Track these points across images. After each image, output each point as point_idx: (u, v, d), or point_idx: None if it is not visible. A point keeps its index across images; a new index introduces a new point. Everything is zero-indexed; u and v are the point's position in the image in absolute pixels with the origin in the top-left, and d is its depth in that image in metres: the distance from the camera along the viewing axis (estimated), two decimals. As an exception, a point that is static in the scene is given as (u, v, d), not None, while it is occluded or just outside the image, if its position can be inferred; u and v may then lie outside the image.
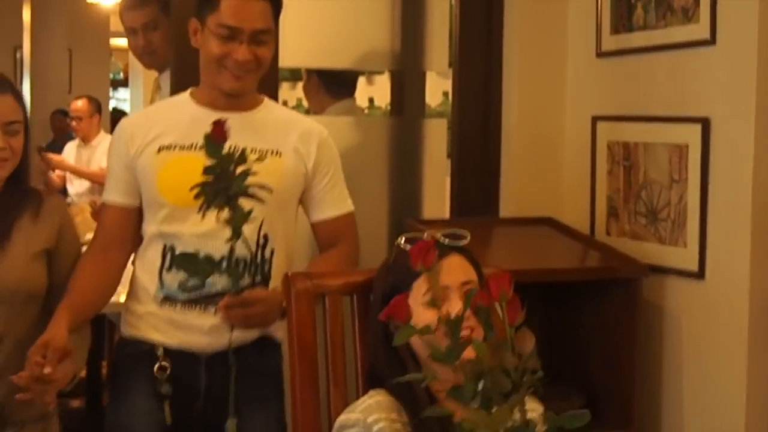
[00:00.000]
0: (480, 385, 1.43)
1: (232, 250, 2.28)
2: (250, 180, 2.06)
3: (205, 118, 2.25)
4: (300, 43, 3.41)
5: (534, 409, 2.00)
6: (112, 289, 2.53)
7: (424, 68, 3.66)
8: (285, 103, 4.04)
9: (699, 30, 2.88)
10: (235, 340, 2.30)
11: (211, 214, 2.08)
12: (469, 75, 3.43)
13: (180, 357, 2.43)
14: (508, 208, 3.39)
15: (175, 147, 2.43)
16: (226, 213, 2.04)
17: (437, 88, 3.97)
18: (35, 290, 2.41)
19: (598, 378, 3.03)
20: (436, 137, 3.60)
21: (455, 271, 2.03)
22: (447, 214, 3.48)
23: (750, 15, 2.74)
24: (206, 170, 2.03)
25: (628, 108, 3.18)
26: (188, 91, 2.55)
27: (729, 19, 2.80)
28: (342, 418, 1.94)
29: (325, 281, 2.23)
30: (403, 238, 2.04)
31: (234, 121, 2.16)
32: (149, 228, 2.47)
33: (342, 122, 3.51)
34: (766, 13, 2.74)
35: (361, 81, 4.03)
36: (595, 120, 3.28)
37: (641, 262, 2.96)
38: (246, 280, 2.37)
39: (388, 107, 3.94)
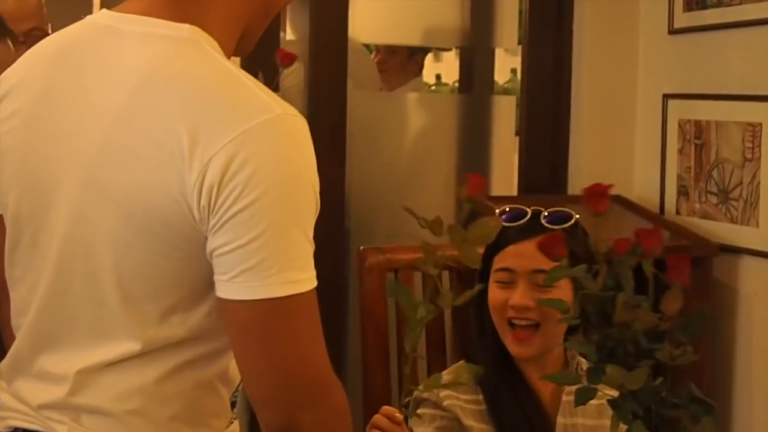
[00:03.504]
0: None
1: None
2: None
3: None
4: (369, 19, 3.42)
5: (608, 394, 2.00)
6: None
7: (493, 45, 3.64)
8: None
9: (774, 7, 2.85)
10: None
11: None
12: (538, 52, 3.41)
13: None
14: (576, 185, 3.37)
15: None
16: None
17: (506, 65, 3.95)
18: None
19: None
20: (505, 114, 3.59)
21: (532, 255, 1.85)
22: (515, 192, 3.47)
23: (828, -9, 2.70)
24: None
25: (700, 86, 3.14)
26: None
27: (806, -4, 2.76)
28: (418, 391, 1.90)
29: (398, 256, 2.23)
30: (500, 209, 1.98)
31: None
32: None
33: (409, 99, 3.51)
34: (844, -10, 2.70)
35: (429, 58, 4.02)
36: (666, 98, 3.25)
37: (712, 241, 2.94)
38: None
39: (456, 84, 3.93)
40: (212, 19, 1.36)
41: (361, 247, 2.23)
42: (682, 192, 3.19)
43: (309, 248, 1.34)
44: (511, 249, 1.92)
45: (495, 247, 1.95)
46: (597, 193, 1.54)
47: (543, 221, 1.92)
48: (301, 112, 1.37)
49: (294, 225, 1.31)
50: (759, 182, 2.89)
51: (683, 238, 3.00)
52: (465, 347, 2.04)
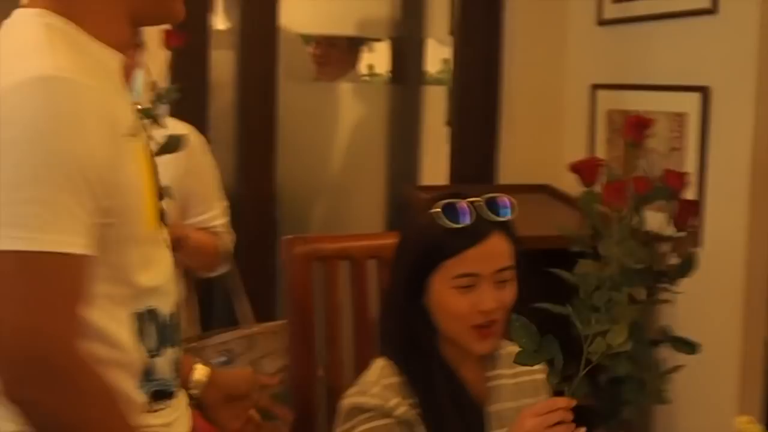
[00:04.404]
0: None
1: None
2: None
3: None
4: (301, 9, 3.42)
5: (538, 371, 1.99)
6: None
7: (424, 35, 3.65)
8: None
9: (700, -1, 2.88)
10: None
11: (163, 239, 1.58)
12: (469, 42, 3.43)
13: None
14: (506, 175, 3.40)
15: None
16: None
17: (437, 55, 3.96)
18: None
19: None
20: (435, 104, 3.61)
21: (493, 255, 1.84)
22: (445, 181, 3.49)
23: (751, -16, 2.74)
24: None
25: (628, 77, 3.18)
26: None
27: (730, -12, 2.80)
28: (355, 400, 1.83)
29: (323, 245, 2.23)
30: (441, 206, 1.82)
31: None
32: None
33: (341, 89, 3.51)
34: (767, -17, 2.73)
35: (362, 48, 4.02)
36: (594, 88, 3.28)
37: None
38: None
39: (388, 74, 3.94)
40: (81, 7, 1.43)
41: (287, 237, 2.21)
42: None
43: (43, 210, 1.29)
44: (471, 252, 1.82)
45: (442, 254, 1.83)
46: (590, 166, 1.61)
47: (491, 215, 1.83)
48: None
49: (26, 184, 1.28)
50: (685, 171, 2.93)
51: (611, 227, 3.03)
52: (385, 344, 1.97)
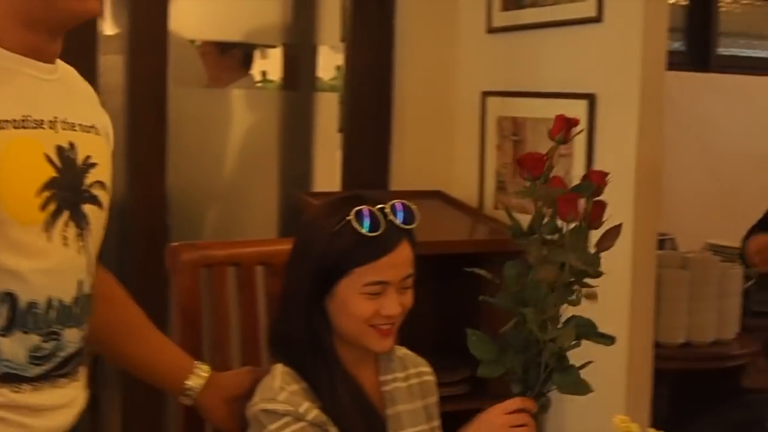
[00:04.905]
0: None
1: (81, 286, 1.66)
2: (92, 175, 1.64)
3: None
4: (192, 14, 3.39)
5: (427, 373, 2.03)
6: None
7: (316, 42, 3.66)
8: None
9: (586, 8, 2.93)
10: None
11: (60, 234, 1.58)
12: (361, 49, 3.44)
13: None
14: (398, 181, 3.41)
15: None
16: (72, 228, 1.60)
17: (331, 62, 3.97)
18: None
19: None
20: (328, 111, 3.61)
21: (402, 264, 1.86)
22: (338, 188, 3.49)
23: (635, -6, 2.80)
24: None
25: (517, 84, 3.22)
26: None
27: (615, -2, 2.86)
28: (265, 406, 1.82)
29: (211, 252, 2.21)
30: (354, 212, 1.81)
31: (41, 76, 1.61)
32: None
33: (233, 96, 3.49)
34: (650, -8, 2.80)
35: (255, 55, 4.00)
36: (485, 95, 3.32)
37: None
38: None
39: (281, 81, 3.93)
40: None
41: (173, 244, 2.18)
42: (500, 187, 3.26)
43: None
44: (383, 261, 1.82)
45: (355, 261, 1.83)
46: (535, 159, 1.67)
47: (399, 223, 1.84)
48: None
49: None
50: (572, 177, 2.97)
51: (501, 232, 3.06)
52: (282, 350, 1.96)
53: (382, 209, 1.84)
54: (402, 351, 2.03)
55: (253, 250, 2.20)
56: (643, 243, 2.82)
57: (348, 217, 1.81)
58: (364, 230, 1.81)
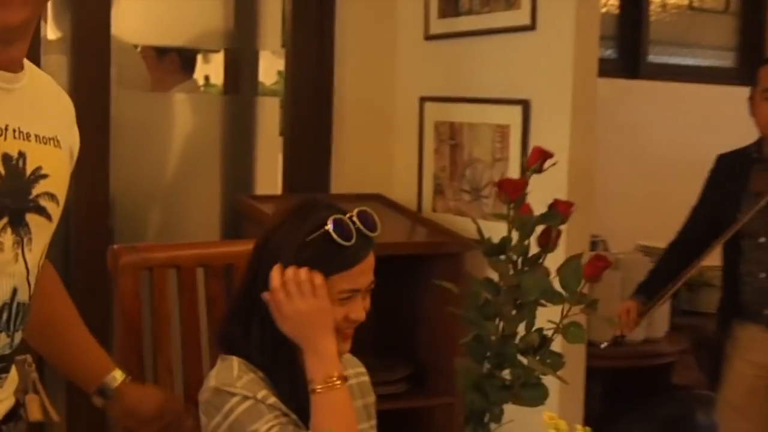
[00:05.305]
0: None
1: (15, 294, 1.63)
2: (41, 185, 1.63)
3: None
4: (134, 19, 3.41)
5: (363, 373, 2.08)
6: None
7: (257, 47, 3.70)
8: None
9: (520, 16, 3.01)
10: None
11: None
12: (301, 54, 3.48)
13: None
14: (339, 184, 3.46)
15: None
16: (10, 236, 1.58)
17: (273, 67, 4.01)
18: None
19: (425, 349, 3.14)
20: (269, 115, 3.65)
21: (369, 270, 1.90)
22: (279, 191, 3.54)
23: (567, 3, 2.88)
24: None
25: (454, 89, 3.29)
26: None
27: (548, 6, 2.94)
28: (224, 388, 1.84)
29: (152, 254, 2.24)
30: (331, 222, 1.83)
31: None
32: None
33: (176, 100, 3.52)
34: (582, 1, 2.88)
35: (198, 59, 4.03)
36: (423, 100, 3.39)
37: (465, 237, 3.08)
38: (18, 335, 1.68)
39: (223, 85, 3.96)
40: None
41: (114, 247, 2.20)
42: (438, 190, 3.33)
43: None
44: (357, 269, 1.87)
45: (330, 269, 1.86)
46: (514, 184, 1.74)
47: (368, 232, 1.87)
48: None
49: None
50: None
51: (439, 234, 3.13)
52: (237, 347, 1.99)
53: (351, 218, 1.87)
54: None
55: (193, 252, 2.24)
56: (576, 244, 2.90)
57: (326, 227, 1.84)
58: (342, 240, 1.84)
